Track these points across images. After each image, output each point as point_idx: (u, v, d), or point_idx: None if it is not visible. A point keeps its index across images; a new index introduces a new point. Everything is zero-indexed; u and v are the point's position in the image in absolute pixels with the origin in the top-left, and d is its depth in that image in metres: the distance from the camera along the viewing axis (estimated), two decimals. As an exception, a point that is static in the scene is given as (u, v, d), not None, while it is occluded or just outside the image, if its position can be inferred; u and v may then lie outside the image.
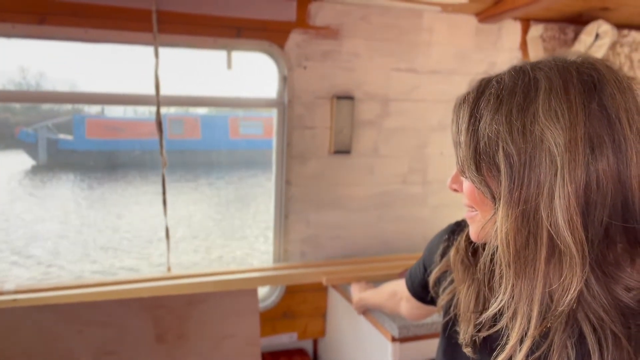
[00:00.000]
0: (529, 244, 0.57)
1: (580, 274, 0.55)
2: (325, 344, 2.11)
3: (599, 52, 1.91)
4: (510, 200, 0.58)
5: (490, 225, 0.63)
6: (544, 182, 0.56)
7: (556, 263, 0.56)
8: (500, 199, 0.59)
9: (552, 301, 0.57)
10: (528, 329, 0.59)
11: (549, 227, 0.56)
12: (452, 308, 0.83)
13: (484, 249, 0.73)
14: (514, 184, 0.57)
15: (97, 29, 1.59)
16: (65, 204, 8.43)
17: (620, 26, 1.99)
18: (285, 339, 2.04)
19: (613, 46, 1.99)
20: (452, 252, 0.84)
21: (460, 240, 0.83)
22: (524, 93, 0.59)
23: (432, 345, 0.99)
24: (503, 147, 0.58)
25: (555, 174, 0.55)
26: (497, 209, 0.60)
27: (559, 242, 0.55)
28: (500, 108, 0.59)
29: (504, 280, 0.61)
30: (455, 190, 0.73)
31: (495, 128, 0.59)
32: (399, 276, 1.84)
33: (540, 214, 0.56)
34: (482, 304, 0.73)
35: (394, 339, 1.56)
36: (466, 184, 0.67)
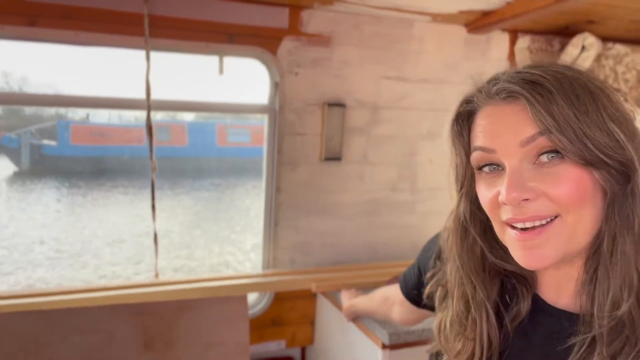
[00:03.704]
0: None
1: None
2: (314, 352, 2.09)
3: (585, 63, 1.95)
4: None
5: (593, 217, 0.60)
6: None
7: None
8: (636, 171, 0.58)
9: None
10: None
11: None
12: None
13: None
14: None
15: (88, 32, 1.58)
16: (46, 209, 8.29)
17: (605, 39, 2.04)
18: (274, 347, 2.02)
19: (598, 58, 2.04)
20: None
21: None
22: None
23: (424, 353, 0.99)
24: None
25: None
26: (637, 181, 0.58)
27: None
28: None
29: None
30: (526, 200, 0.60)
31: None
32: (387, 283, 1.84)
33: None
34: None
35: (384, 346, 1.55)
36: (577, 177, 0.59)
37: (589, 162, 0.58)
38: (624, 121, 0.60)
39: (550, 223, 0.60)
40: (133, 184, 9.83)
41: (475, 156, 0.66)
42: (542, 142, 0.59)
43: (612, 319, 0.58)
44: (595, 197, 0.60)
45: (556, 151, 0.59)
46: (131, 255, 6.06)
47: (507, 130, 0.61)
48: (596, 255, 0.61)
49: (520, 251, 0.62)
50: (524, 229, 0.61)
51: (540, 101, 0.58)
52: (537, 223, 0.60)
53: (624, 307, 0.58)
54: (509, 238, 0.63)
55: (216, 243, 6.72)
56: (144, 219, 7.44)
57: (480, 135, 0.65)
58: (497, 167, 0.64)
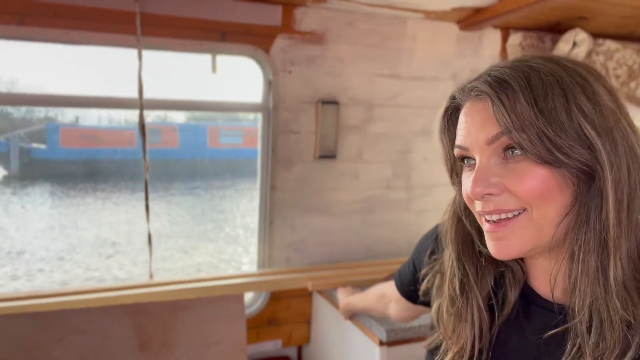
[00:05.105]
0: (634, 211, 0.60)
1: None
2: (310, 351, 2.09)
3: (576, 59, 1.97)
4: (616, 166, 0.58)
5: (561, 212, 0.60)
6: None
7: None
8: (603, 170, 0.58)
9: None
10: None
11: None
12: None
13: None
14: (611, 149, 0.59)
15: (78, 30, 1.56)
16: (37, 213, 8.21)
17: (596, 35, 2.05)
18: (270, 347, 2.01)
19: (589, 54, 2.05)
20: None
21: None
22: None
23: (421, 349, 0.99)
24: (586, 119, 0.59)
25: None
26: (603, 179, 0.58)
27: None
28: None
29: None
30: (489, 194, 0.62)
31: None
32: (384, 280, 1.83)
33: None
34: None
35: (381, 343, 1.55)
36: (539, 175, 0.59)
37: (547, 161, 0.59)
38: (601, 117, 0.59)
39: (516, 217, 0.62)
40: (112, 189, 9.72)
41: (455, 152, 0.69)
42: (505, 140, 0.61)
43: (593, 317, 0.59)
44: (563, 194, 0.60)
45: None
46: (91, 262, 6.01)
47: (476, 129, 0.64)
48: (576, 250, 0.62)
49: (490, 242, 0.65)
50: (492, 222, 0.63)
51: (504, 101, 0.60)
52: (503, 216, 0.62)
53: (602, 307, 0.59)
54: (485, 229, 0.66)
55: (177, 249, 6.72)
56: (117, 224, 7.40)
57: (459, 132, 0.67)
58: (474, 161, 0.66)
